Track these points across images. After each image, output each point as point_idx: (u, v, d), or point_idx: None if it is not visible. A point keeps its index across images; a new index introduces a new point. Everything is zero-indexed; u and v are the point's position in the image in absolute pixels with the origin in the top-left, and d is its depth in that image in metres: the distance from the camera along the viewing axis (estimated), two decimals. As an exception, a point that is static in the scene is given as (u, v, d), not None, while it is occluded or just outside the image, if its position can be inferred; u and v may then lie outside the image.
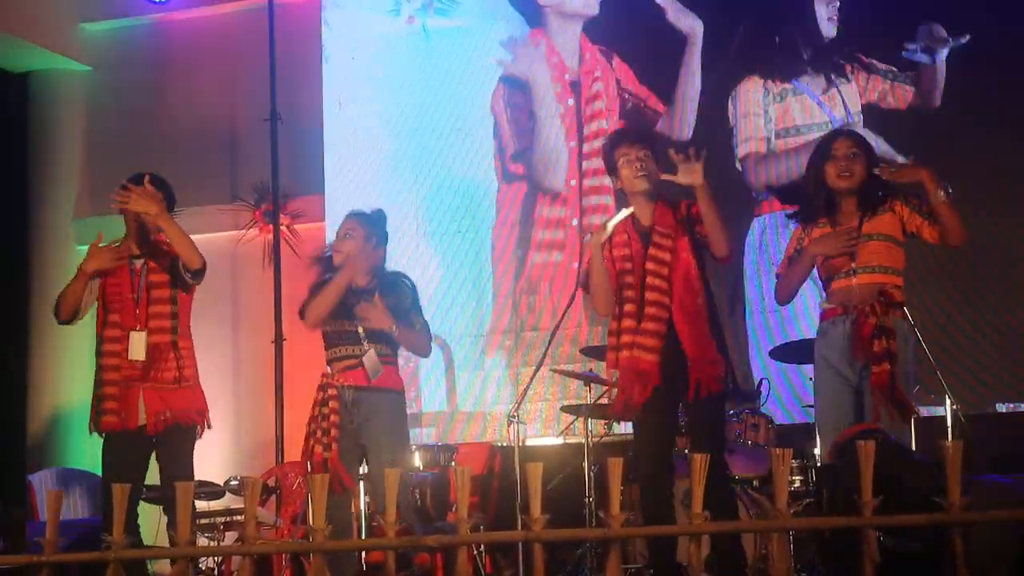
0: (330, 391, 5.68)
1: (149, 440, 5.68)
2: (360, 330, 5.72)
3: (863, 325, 5.12)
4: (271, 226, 9.02)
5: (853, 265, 5.21)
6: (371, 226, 5.87)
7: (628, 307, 5.32)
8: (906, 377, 5.14)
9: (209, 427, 5.82)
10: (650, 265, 5.25)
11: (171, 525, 5.21)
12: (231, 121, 9.60)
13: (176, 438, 5.66)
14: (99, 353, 5.73)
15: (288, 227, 9.16)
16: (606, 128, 8.42)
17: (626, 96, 8.55)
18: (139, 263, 5.74)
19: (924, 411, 6.63)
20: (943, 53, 7.95)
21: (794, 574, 6.00)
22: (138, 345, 5.64)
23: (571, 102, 8.64)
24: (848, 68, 8.16)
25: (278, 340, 8.62)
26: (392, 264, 6.06)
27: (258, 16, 9.21)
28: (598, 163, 7.88)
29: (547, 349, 6.83)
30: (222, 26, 9.74)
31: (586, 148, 8.53)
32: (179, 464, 5.64)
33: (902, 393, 5.05)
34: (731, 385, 5.36)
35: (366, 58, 9.15)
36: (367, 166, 9.02)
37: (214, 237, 8.88)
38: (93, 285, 5.80)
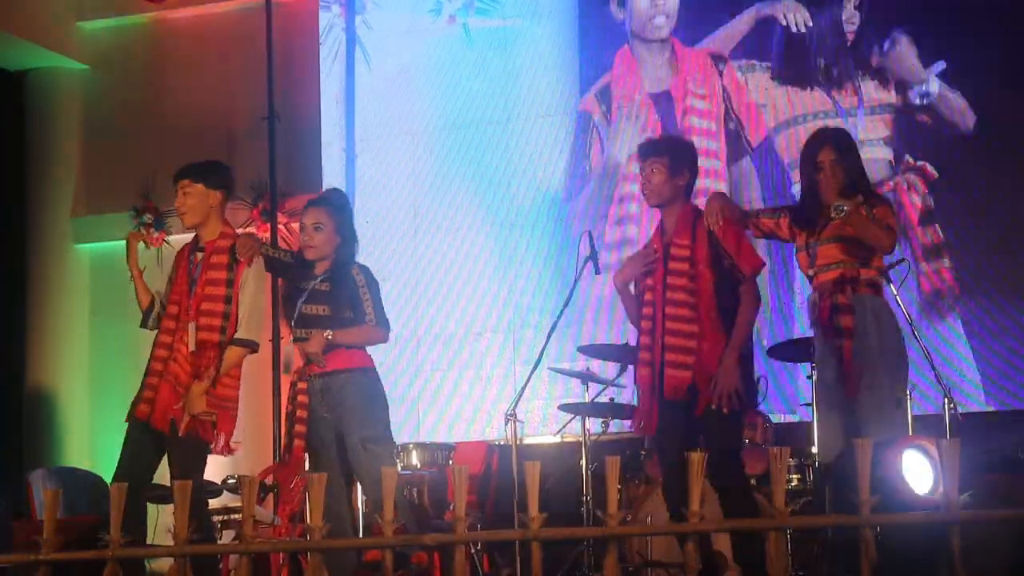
0: (299, 384, 5.63)
1: (166, 438, 5.56)
2: (293, 323, 5.68)
3: (822, 309, 5.19)
4: (268, 224, 9.02)
5: (811, 272, 5.28)
6: (340, 216, 5.75)
7: (645, 323, 5.36)
8: (868, 351, 5.14)
9: (218, 450, 5.61)
10: (671, 280, 5.27)
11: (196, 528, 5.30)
12: (228, 119, 9.59)
13: (189, 445, 5.52)
14: (153, 343, 5.66)
15: (286, 225, 9.16)
16: (707, 147, 8.22)
17: (731, 112, 8.36)
18: (199, 255, 5.66)
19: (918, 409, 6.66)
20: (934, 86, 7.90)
21: (792, 573, 6.01)
22: (192, 336, 5.54)
23: (656, 117, 8.47)
24: (874, 61, 8.07)
25: (275, 338, 8.62)
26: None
27: (256, 14, 9.22)
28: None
29: (544, 347, 6.82)
30: (219, 24, 9.73)
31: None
32: (184, 473, 5.39)
33: (850, 366, 5.09)
34: (746, 405, 5.35)
35: (406, 58, 9.09)
36: (400, 165, 8.99)
37: (212, 235, 8.88)
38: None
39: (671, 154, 5.43)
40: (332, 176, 9.07)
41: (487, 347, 8.68)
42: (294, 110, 9.22)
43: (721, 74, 8.41)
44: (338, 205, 5.79)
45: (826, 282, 5.22)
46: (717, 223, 5.25)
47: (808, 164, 5.33)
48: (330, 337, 5.56)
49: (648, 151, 5.46)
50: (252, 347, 5.65)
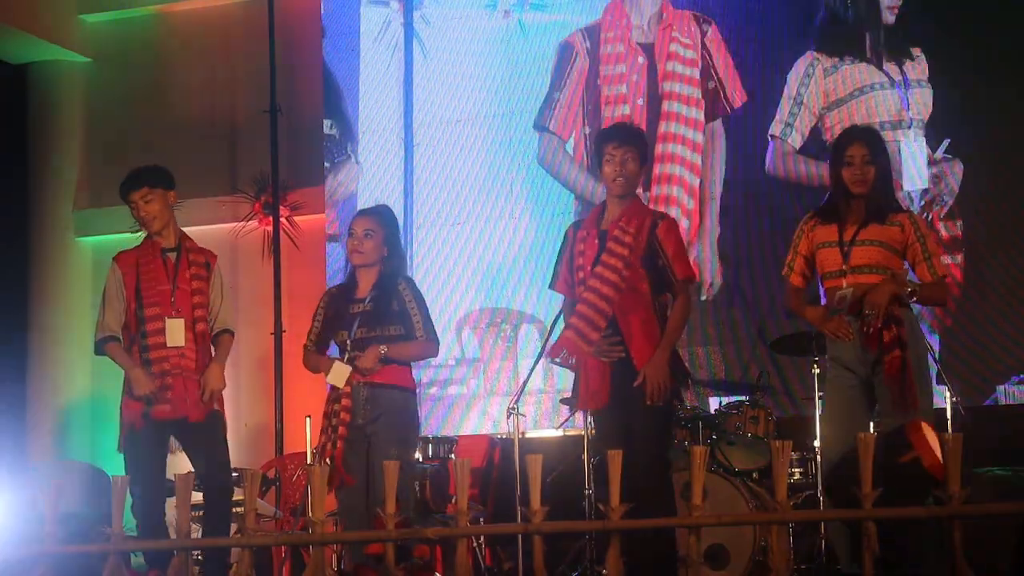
0: (343, 388, 5.67)
1: (175, 431, 5.80)
2: (349, 347, 5.72)
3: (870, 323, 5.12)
4: (271, 218, 9.02)
5: (845, 267, 5.23)
6: (389, 227, 5.86)
7: (580, 306, 5.34)
8: (919, 367, 5.14)
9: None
10: (599, 268, 5.27)
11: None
12: (231, 113, 9.59)
13: (216, 428, 5.85)
14: (144, 347, 5.78)
15: (288, 219, 9.16)
16: (678, 91, 8.41)
17: (711, 71, 8.42)
18: (172, 255, 5.84)
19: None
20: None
21: (793, 566, 6.01)
22: (175, 331, 5.74)
23: (640, 60, 8.55)
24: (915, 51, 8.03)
25: (277, 332, 8.63)
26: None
27: (258, 7, 9.21)
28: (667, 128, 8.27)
29: (546, 341, 6.82)
30: (222, 17, 9.72)
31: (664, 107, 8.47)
32: (220, 457, 5.86)
33: (912, 381, 5.06)
34: (677, 402, 5.46)
35: (462, 52, 9.12)
36: (457, 157, 9.01)
37: (214, 229, 8.88)
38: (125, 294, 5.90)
39: (642, 144, 5.44)
40: (392, 167, 9.12)
41: (490, 341, 8.68)
42: (296, 103, 9.21)
43: (704, 34, 8.48)
44: (387, 217, 5.92)
45: (859, 292, 5.16)
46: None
47: (836, 157, 5.32)
48: (384, 352, 5.65)
49: (622, 138, 5.40)
50: (234, 334, 6.08)
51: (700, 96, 8.41)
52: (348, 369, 5.65)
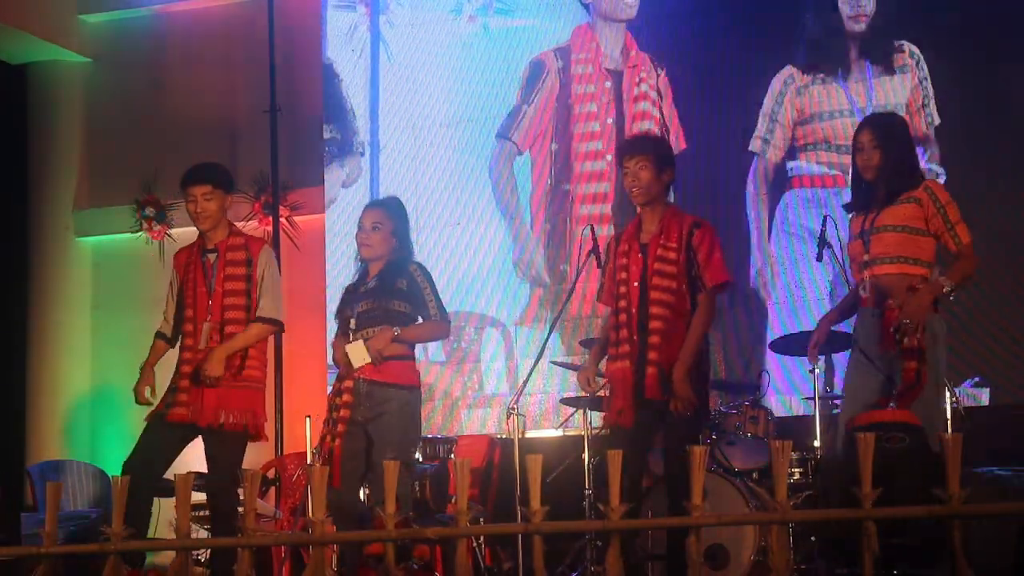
0: (345, 383, 5.67)
1: (196, 434, 5.69)
2: (352, 323, 5.71)
3: (889, 318, 5.10)
4: (271, 218, 9.02)
5: (866, 257, 5.20)
6: (397, 219, 5.86)
7: (622, 316, 5.37)
8: (935, 376, 5.10)
9: (260, 437, 5.78)
10: (657, 280, 5.30)
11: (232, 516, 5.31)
12: (231, 112, 9.59)
13: (225, 438, 5.66)
14: (181, 347, 5.79)
15: (287, 219, 9.16)
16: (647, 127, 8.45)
17: (661, 115, 8.54)
18: (212, 257, 5.80)
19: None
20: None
21: (794, 566, 6.01)
22: (205, 336, 5.69)
23: (608, 84, 8.63)
24: (898, 59, 8.05)
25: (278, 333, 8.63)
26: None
27: (258, 7, 9.22)
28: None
29: (546, 341, 6.83)
30: (222, 17, 9.73)
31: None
32: (221, 465, 5.64)
33: (919, 392, 5.03)
34: (703, 414, 5.50)
35: (427, 56, 9.16)
36: (419, 160, 9.05)
37: (214, 229, 8.87)
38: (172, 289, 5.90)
39: (656, 152, 5.45)
40: (359, 169, 9.15)
41: (490, 340, 8.68)
42: (296, 103, 9.21)
43: (658, 78, 8.55)
44: (396, 209, 5.91)
45: (884, 281, 5.14)
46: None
47: (852, 146, 5.33)
48: (398, 333, 5.62)
49: (633, 148, 5.47)
50: (275, 325, 5.83)
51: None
52: (362, 345, 5.61)
